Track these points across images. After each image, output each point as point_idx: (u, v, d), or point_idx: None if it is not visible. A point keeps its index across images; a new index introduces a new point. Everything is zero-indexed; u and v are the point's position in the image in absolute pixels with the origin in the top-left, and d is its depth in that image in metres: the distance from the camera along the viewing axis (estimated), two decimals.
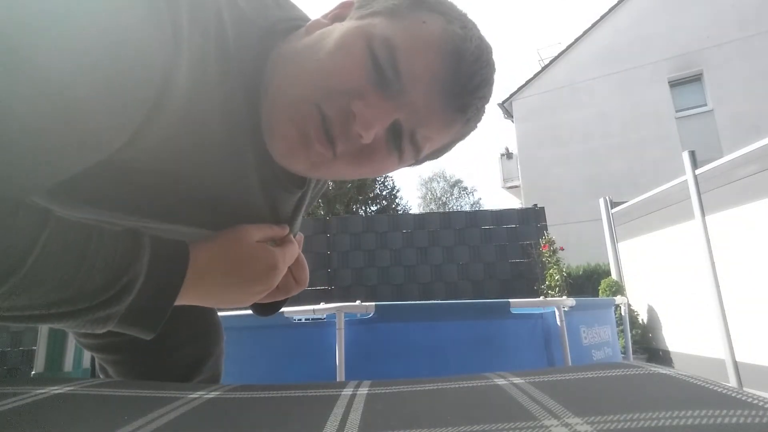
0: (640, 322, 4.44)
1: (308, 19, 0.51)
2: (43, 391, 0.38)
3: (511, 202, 15.71)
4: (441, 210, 24.73)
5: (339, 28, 0.45)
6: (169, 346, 0.70)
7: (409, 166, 0.53)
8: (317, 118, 0.43)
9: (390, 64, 0.42)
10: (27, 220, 0.34)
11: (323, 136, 0.43)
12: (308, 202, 0.68)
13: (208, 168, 0.45)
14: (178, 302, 0.42)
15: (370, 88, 0.43)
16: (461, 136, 0.52)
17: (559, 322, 2.40)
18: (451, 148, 0.54)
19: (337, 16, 0.49)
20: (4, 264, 0.32)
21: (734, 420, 0.24)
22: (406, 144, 0.46)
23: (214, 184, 0.47)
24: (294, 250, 0.54)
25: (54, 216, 0.36)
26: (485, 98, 0.47)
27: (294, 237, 0.59)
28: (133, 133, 0.37)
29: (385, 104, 0.43)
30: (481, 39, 0.46)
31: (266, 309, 0.65)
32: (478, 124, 0.51)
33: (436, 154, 0.54)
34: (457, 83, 0.44)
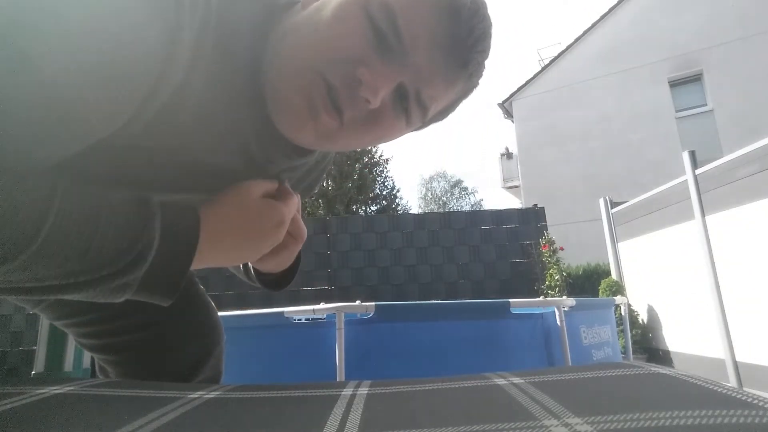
0: (640, 322, 4.44)
1: None
2: (43, 391, 0.38)
3: (511, 202, 15.72)
4: (441, 210, 24.73)
5: None
6: (170, 346, 0.70)
7: (416, 129, 0.54)
8: (323, 88, 0.44)
9: (390, 27, 0.43)
10: (37, 193, 0.34)
11: (330, 105, 0.44)
12: (313, 179, 0.69)
13: (207, 142, 0.46)
14: (193, 266, 0.42)
15: (373, 53, 0.43)
16: (465, 93, 0.52)
17: (559, 322, 2.40)
18: (456, 107, 0.55)
19: None
20: (18, 237, 0.32)
21: (734, 420, 0.23)
22: (413, 105, 0.47)
23: (213, 157, 0.48)
24: (295, 202, 0.55)
25: (63, 185, 0.36)
26: (485, 52, 0.48)
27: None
28: (135, 110, 0.38)
29: (389, 68, 0.44)
30: None
31: (278, 283, 0.65)
32: (480, 80, 0.51)
33: (442, 114, 0.54)
34: (456, 39, 0.44)
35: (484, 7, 0.47)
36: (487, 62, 0.50)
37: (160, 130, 0.42)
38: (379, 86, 0.43)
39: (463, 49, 0.45)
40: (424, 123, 0.53)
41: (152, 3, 0.35)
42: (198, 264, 0.44)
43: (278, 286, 0.65)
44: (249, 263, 0.62)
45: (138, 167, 0.45)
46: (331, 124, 0.45)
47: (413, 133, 0.56)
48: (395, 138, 0.52)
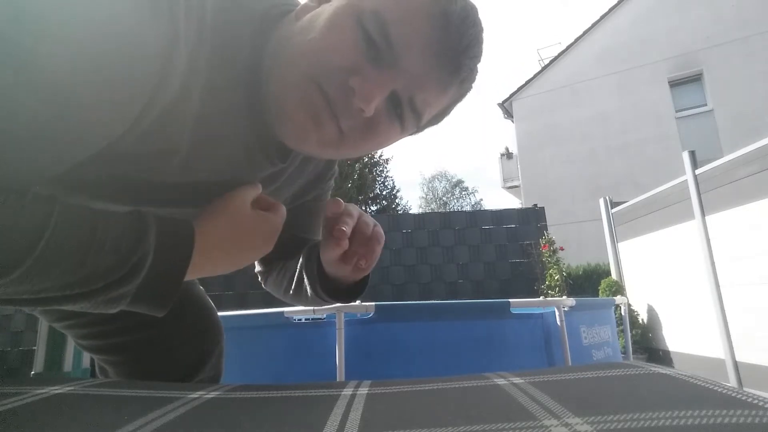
0: (640, 322, 4.43)
1: (298, 2, 0.53)
2: (43, 391, 0.38)
3: (511, 202, 15.72)
4: (442, 210, 24.75)
5: (327, 9, 0.46)
6: (170, 346, 0.70)
7: (412, 134, 0.54)
8: (320, 97, 0.44)
9: (381, 36, 0.43)
10: (35, 208, 0.34)
11: (331, 113, 0.45)
12: (300, 189, 0.69)
13: (202, 151, 0.46)
14: (187, 278, 0.43)
15: (366, 62, 0.44)
16: (458, 98, 0.53)
17: (559, 322, 2.40)
18: (450, 111, 0.55)
19: None
20: (16, 250, 0.33)
21: (734, 420, 0.23)
22: (407, 112, 0.48)
23: (207, 166, 0.48)
24: (283, 211, 0.55)
25: (60, 202, 0.36)
26: (477, 57, 0.48)
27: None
28: (134, 117, 0.38)
29: (382, 76, 0.44)
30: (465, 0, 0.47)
31: (348, 293, 0.67)
32: (473, 84, 0.52)
33: (436, 118, 0.55)
34: (447, 46, 0.45)
35: (474, 12, 0.47)
36: (479, 66, 0.50)
37: (156, 140, 0.42)
38: (372, 95, 0.44)
39: (454, 55, 0.45)
40: (419, 128, 0.53)
41: (147, 14, 0.35)
42: (191, 275, 0.44)
43: (349, 296, 0.67)
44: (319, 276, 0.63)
45: (132, 178, 0.45)
46: (334, 133, 0.46)
47: (409, 137, 0.56)
48: (392, 143, 0.53)
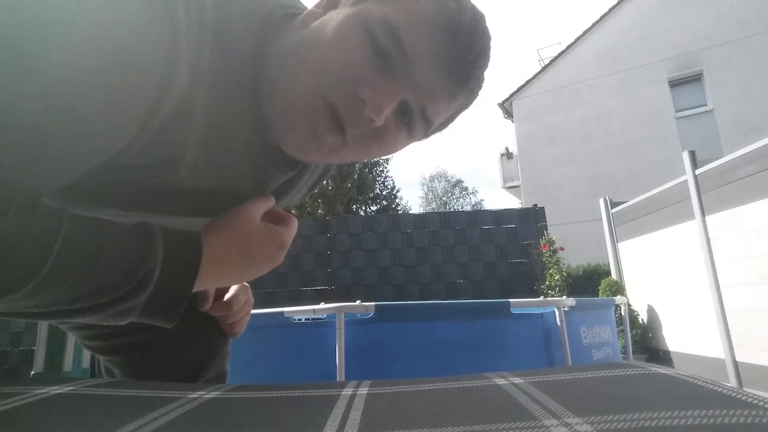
0: (640, 322, 4.44)
1: (302, 5, 0.52)
2: (43, 391, 0.38)
3: (511, 202, 15.72)
4: (442, 210, 24.77)
5: (335, 18, 0.46)
6: (175, 347, 0.70)
7: (419, 140, 0.55)
8: (326, 111, 0.44)
9: (393, 42, 0.43)
10: (44, 221, 0.34)
11: (334, 125, 0.44)
12: (308, 189, 0.69)
13: (206, 159, 0.46)
14: (195, 289, 0.43)
15: (374, 72, 0.43)
16: (465, 106, 0.53)
17: (559, 322, 2.40)
18: (455, 119, 0.55)
19: (330, 3, 0.49)
20: (26, 264, 0.33)
21: (734, 420, 0.23)
22: (417, 120, 0.48)
23: (212, 175, 0.48)
24: (294, 225, 0.56)
25: (69, 215, 0.36)
26: (484, 67, 0.48)
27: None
28: (136, 129, 0.38)
29: (391, 86, 0.44)
30: (473, 9, 0.46)
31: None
32: (480, 92, 0.52)
33: (442, 126, 0.55)
34: (457, 57, 0.44)
35: (483, 21, 0.46)
36: (486, 74, 0.50)
37: (162, 147, 0.42)
38: (383, 105, 0.43)
39: (463, 65, 0.45)
40: (426, 135, 0.53)
41: (147, 20, 0.35)
42: (199, 288, 0.44)
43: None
44: None
45: (140, 186, 0.45)
46: (336, 143, 0.46)
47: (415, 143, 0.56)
48: (398, 150, 0.53)
